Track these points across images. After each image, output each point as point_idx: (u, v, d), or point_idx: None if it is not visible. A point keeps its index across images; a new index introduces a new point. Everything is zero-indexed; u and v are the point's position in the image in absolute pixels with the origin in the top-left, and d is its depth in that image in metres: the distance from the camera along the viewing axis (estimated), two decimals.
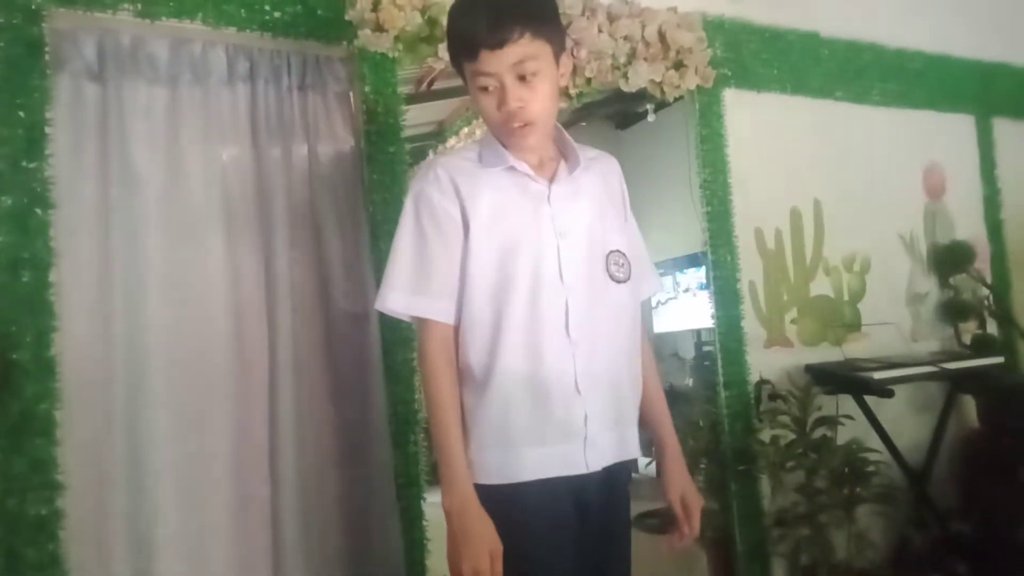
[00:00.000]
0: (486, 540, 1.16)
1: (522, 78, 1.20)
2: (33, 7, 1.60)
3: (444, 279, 1.23)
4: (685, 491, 1.40)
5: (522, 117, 1.22)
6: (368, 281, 1.88)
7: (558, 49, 1.26)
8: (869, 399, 2.47)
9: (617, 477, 1.31)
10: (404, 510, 1.85)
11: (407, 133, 1.97)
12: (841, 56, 2.79)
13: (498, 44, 1.18)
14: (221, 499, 1.70)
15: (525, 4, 1.21)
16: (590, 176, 1.35)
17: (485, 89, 1.23)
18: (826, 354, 2.61)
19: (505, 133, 1.26)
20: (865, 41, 2.85)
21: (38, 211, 1.57)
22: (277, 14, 1.83)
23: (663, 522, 1.45)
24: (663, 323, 3.86)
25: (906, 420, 2.73)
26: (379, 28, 1.87)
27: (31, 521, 1.50)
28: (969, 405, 2.91)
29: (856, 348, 2.67)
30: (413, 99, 2.10)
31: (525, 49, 1.19)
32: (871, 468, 2.34)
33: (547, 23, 1.24)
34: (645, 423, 1.41)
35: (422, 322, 1.25)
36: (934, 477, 2.64)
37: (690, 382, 3.62)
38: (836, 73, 2.77)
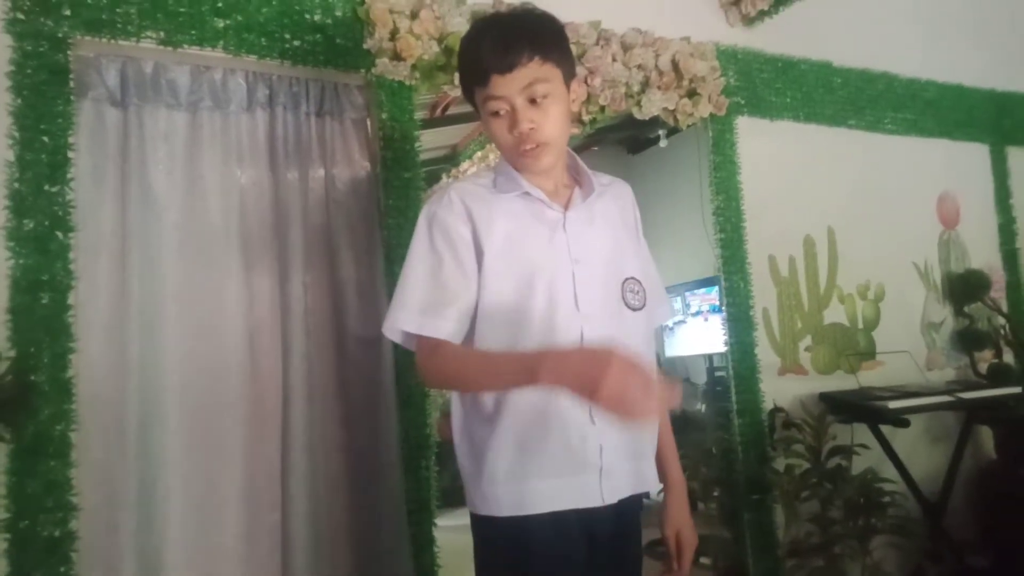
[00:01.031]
0: (592, 356, 0.99)
1: (533, 101, 1.22)
2: (59, 35, 1.63)
3: (458, 302, 1.21)
4: (682, 528, 1.39)
5: (534, 138, 1.23)
6: (382, 306, 1.89)
7: (568, 74, 1.28)
8: (884, 428, 2.45)
9: (628, 509, 1.29)
10: (415, 535, 1.84)
11: (420, 158, 1.99)
12: (854, 85, 2.80)
13: (508, 68, 1.19)
14: (232, 523, 1.70)
15: (534, 29, 1.23)
16: (604, 202, 1.35)
17: (496, 114, 1.23)
18: (840, 382, 2.59)
19: (517, 156, 1.26)
20: (878, 70, 2.87)
21: (59, 234, 1.59)
22: (296, 43, 1.86)
23: (665, 551, 1.44)
24: (674, 347, 3.84)
25: (921, 450, 2.71)
26: (397, 57, 1.90)
27: (43, 543, 1.51)
28: (986, 435, 2.88)
29: (871, 376, 2.66)
30: (427, 124, 2.13)
31: (535, 72, 1.21)
32: (886, 499, 2.31)
33: (556, 48, 1.25)
34: None
35: (425, 341, 1.21)
36: (950, 508, 2.60)
37: (702, 408, 3.59)
38: (849, 101, 2.78)
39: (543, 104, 1.22)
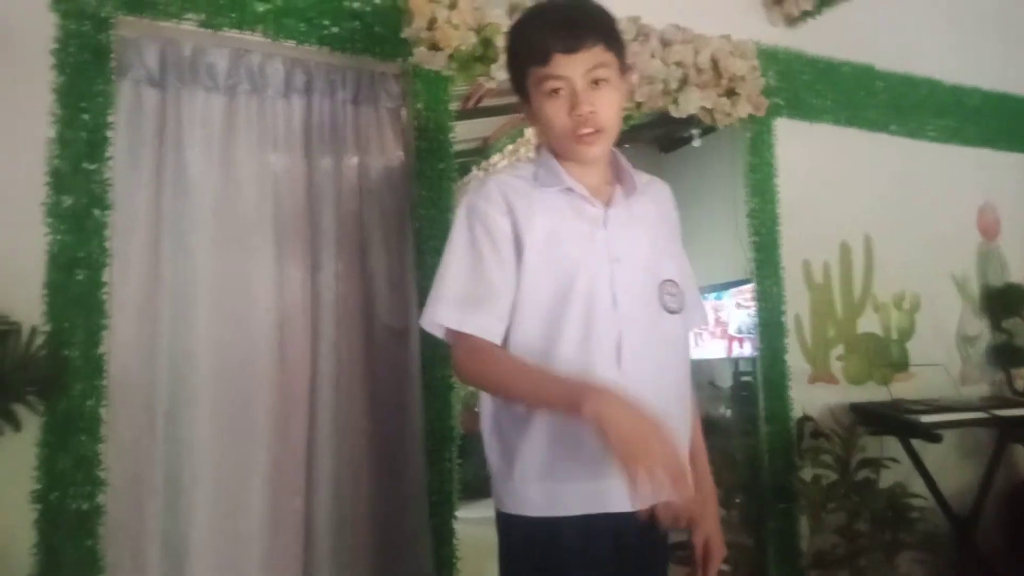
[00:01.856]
0: (653, 417, 1.02)
1: (595, 83, 1.20)
2: (102, 15, 1.65)
3: (498, 299, 1.19)
4: (711, 537, 1.35)
5: (593, 122, 1.20)
6: (412, 297, 1.89)
7: (624, 67, 1.27)
8: (915, 442, 2.40)
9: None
10: (436, 527, 1.84)
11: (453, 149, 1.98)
12: (896, 90, 2.75)
13: (573, 48, 1.18)
14: (256, 507, 1.70)
15: (599, 16, 1.23)
16: (644, 202, 1.32)
17: (555, 93, 1.20)
18: (872, 393, 2.55)
19: (572, 140, 1.22)
20: (921, 75, 2.81)
21: (96, 212, 1.61)
22: (335, 29, 1.86)
23: (690, 558, 1.42)
24: (699, 350, 3.79)
25: (952, 465, 2.65)
26: (434, 46, 1.89)
27: (71, 517, 1.52)
28: (1020, 454, 2.81)
29: (903, 388, 2.60)
30: (459, 116, 2.11)
31: (599, 56, 1.19)
32: (915, 513, 2.26)
33: (616, 38, 1.25)
34: None
35: (464, 338, 1.19)
36: (981, 526, 2.54)
37: (727, 412, 3.55)
38: (891, 107, 2.73)
39: (603, 89, 1.20)
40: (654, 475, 0.96)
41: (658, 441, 0.99)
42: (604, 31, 1.21)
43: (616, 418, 1.00)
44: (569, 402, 1.04)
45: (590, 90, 1.20)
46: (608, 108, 1.22)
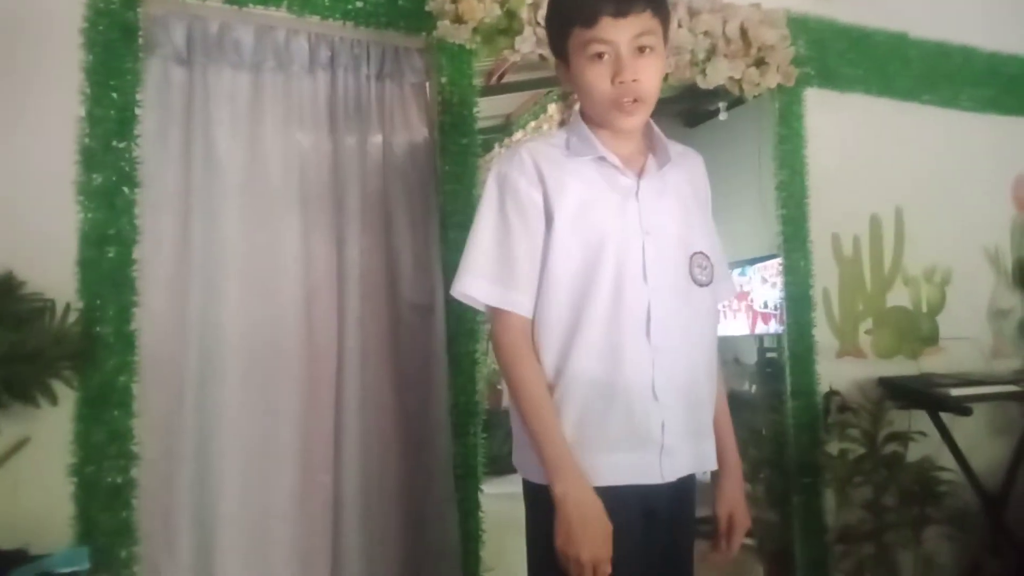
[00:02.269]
0: (605, 525, 1.12)
1: (640, 51, 1.18)
2: None
3: (526, 271, 1.20)
4: (735, 510, 1.36)
5: (635, 91, 1.19)
6: (436, 272, 1.89)
7: (667, 36, 1.25)
8: (944, 417, 2.37)
9: (685, 488, 1.28)
10: (461, 501, 1.85)
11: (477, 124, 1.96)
12: (930, 58, 2.67)
13: (622, 13, 1.16)
14: (285, 482, 1.73)
15: None
16: (677, 173, 1.31)
17: (599, 57, 1.18)
18: (900, 367, 2.51)
19: (611, 108, 1.21)
20: (956, 43, 2.73)
21: (125, 189, 1.63)
22: (359, 4, 1.85)
23: (714, 529, 1.42)
24: (722, 326, 3.75)
25: (982, 440, 2.61)
26: (458, 19, 1.87)
27: (107, 489, 1.56)
28: None
29: (932, 362, 2.57)
30: (483, 92, 2.10)
31: (647, 23, 1.18)
32: (943, 488, 2.24)
33: (664, 6, 1.23)
34: None
35: (498, 313, 1.21)
36: (1011, 503, 2.51)
37: (752, 388, 3.53)
38: (924, 75, 2.66)
39: (648, 57, 1.19)
40: (581, 563, 1.10)
41: (594, 536, 1.11)
42: None
43: (571, 506, 1.12)
44: (548, 469, 1.15)
45: (635, 57, 1.18)
46: (651, 78, 1.20)
